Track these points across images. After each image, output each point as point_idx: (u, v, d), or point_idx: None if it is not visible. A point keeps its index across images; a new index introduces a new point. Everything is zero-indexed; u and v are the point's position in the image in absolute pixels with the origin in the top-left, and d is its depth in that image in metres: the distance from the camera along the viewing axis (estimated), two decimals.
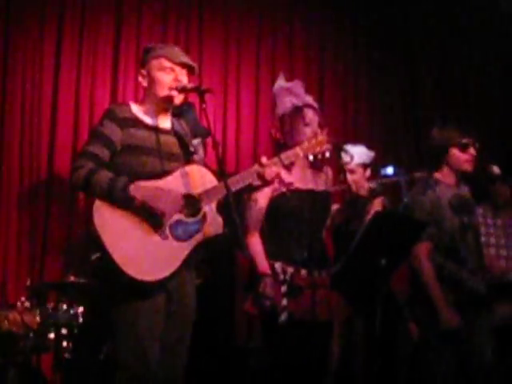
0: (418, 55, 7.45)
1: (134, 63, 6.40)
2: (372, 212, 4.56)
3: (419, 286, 4.41)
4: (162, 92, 3.71)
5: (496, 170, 4.56)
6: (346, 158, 4.94)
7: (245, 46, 6.91)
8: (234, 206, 3.44)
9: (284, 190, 4.15)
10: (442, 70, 7.42)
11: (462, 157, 4.49)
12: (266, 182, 3.78)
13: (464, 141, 4.48)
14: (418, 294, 4.46)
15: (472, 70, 7.47)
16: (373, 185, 4.95)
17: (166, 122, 3.80)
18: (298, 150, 3.88)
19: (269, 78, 6.65)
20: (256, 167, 3.74)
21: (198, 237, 3.58)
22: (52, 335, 5.08)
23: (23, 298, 5.13)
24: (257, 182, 3.77)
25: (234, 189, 3.62)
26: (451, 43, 7.39)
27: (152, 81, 3.74)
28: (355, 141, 6.71)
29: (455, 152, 4.50)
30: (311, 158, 3.92)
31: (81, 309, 5.15)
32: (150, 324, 3.52)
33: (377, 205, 4.85)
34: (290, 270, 4.26)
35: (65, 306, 5.09)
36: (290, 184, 4.08)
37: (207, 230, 3.60)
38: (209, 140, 3.63)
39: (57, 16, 6.35)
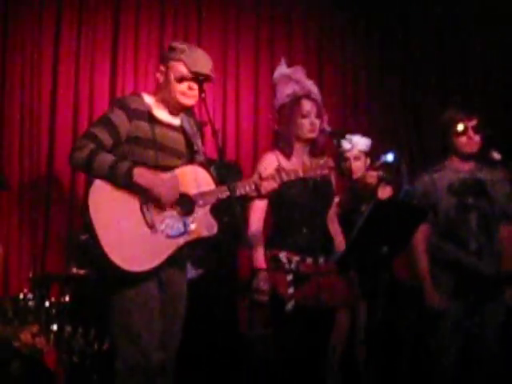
0: (418, 40, 7.40)
1: (133, 53, 6.40)
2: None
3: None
4: (175, 96, 3.70)
5: (496, 155, 4.55)
6: (346, 145, 4.95)
7: (244, 34, 6.88)
8: (235, 200, 3.47)
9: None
10: (442, 53, 7.37)
11: (461, 140, 4.50)
12: (260, 195, 3.82)
13: (459, 128, 4.49)
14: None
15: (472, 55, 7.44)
16: (380, 173, 4.95)
17: (175, 119, 3.81)
18: (299, 171, 3.90)
19: (268, 67, 6.63)
20: (255, 179, 3.77)
21: (188, 236, 3.60)
22: (55, 327, 5.07)
23: (26, 290, 5.14)
24: (253, 194, 3.79)
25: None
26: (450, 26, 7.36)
27: (167, 81, 3.72)
28: (355, 126, 6.78)
29: (454, 138, 4.52)
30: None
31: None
32: (147, 313, 3.55)
33: (386, 193, 4.85)
34: (296, 258, 4.28)
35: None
36: (295, 171, 4.09)
37: (200, 231, 3.63)
38: (208, 129, 3.61)
39: (55, 5, 6.33)
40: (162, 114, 3.75)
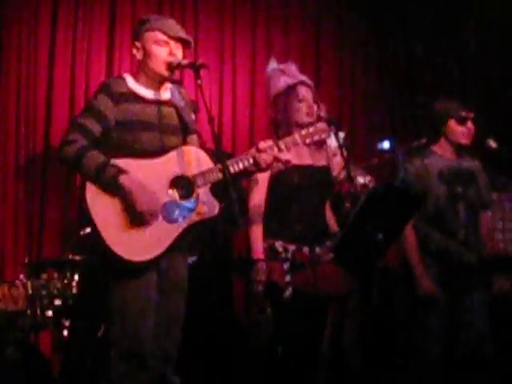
0: (416, 35, 7.39)
1: (130, 37, 6.36)
2: None
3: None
4: (157, 66, 3.68)
5: (493, 143, 4.57)
6: (340, 133, 4.93)
7: (240, 20, 6.87)
8: (230, 182, 3.44)
9: (282, 167, 4.14)
10: (440, 49, 7.36)
11: (459, 129, 4.52)
12: (260, 169, 3.76)
13: (462, 114, 4.51)
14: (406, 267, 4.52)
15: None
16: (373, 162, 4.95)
17: (164, 93, 3.78)
18: (296, 136, 3.85)
19: (264, 53, 6.64)
20: (253, 152, 3.73)
21: (190, 219, 3.57)
22: (50, 313, 5.07)
23: (21, 276, 5.13)
24: (252, 168, 3.74)
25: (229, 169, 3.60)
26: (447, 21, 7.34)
27: (147, 54, 3.70)
28: (352, 123, 6.79)
29: (453, 124, 4.52)
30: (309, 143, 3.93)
31: (75, 278, 5.11)
32: (142, 301, 3.54)
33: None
34: (292, 247, 4.29)
35: (56, 275, 5.04)
36: (288, 161, 4.09)
37: (201, 212, 3.59)
38: (204, 115, 3.60)
39: None
40: (148, 92, 3.71)
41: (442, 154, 4.56)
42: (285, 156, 4.01)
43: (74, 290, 5.07)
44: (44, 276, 5.01)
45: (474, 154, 4.67)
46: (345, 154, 4.30)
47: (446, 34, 7.31)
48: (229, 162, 3.62)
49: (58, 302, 5.01)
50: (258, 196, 4.36)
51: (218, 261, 5.47)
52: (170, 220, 3.54)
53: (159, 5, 6.62)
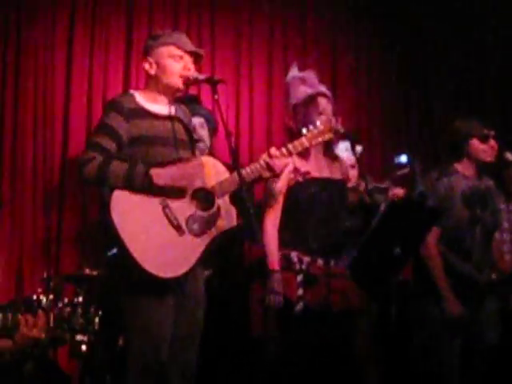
0: (432, 43, 7.38)
1: None
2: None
3: (423, 273, 4.44)
4: (173, 80, 3.69)
5: (509, 156, 4.56)
6: (358, 147, 4.93)
7: (257, 34, 6.88)
8: (247, 196, 3.44)
9: (300, 179, 4.14)
10: (456, 57, 7.34)
11: (482, 147, 4.50)
12: (275, 174, 3.76)
13: (485, 132, 4.50)
14: (421, 281, 4.49)
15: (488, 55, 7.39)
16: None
17: (171, 109, 3.76)
18: (303, 139, 3.86)
19: (281, 67, 6.63)
20: (265, 158, 3.72)
21: (213, 231, 3.56)
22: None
23: (39, 290, 5.14)
24: (266, 174, 3.74)
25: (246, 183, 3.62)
26: (464, 28, 7.31)
27: (161, 69, 3.70)
28: (368, 132, 6.78)
29: (475, 143, 4.51)
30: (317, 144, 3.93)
31: (99, 313, 5.11)
32: (161, 316, 3.52)
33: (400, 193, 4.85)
34: (307, 259, 4.26)
35: (80, 310, 5.03)
36: (307, 173, 4.07)
37: (221, 224, 3.58)
38: (221, 130, 3.61)
39: (69, 5, 6.36)
40: (156, 107, 3.71)
41: (464, 174, 4.54)
42: (304, 168, 4.00)
43: (97, 327, 5.07)
44: (67, 309, 4.98)
45: (490, 170, 4.66)
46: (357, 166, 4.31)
47: (464, 38, 7.27)
48: (243, 171, 3.63)
49: (79, 338, 5.01)
50: (275, 211, 4.34)
51: (234, 274, 5.47)
52: (195, 234, 3.53)
53: (175, 14, 6.66)
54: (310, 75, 4.57)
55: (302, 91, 4.47)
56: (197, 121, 4.90)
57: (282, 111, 4.99)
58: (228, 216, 3.60)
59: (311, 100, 4.43)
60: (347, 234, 4.54)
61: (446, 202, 4.44)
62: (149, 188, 3.45)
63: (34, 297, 5.04)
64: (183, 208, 3.53)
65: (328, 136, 3.94)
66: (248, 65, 6.80)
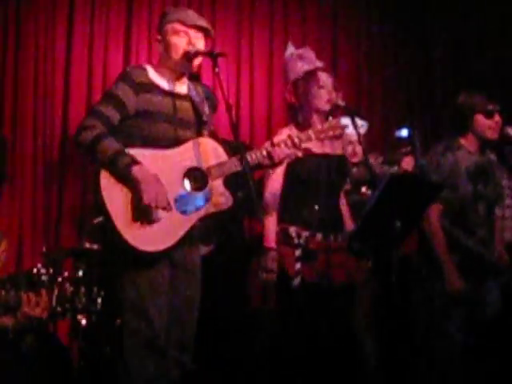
0: (433, 26, 7.36)
1: (147, 30, 6.39)
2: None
3: (427, 248, 4.45)
4: (178, 56, 3.68)
5: (511, 131, 4.54)
6: (360, 123, 4.92)
7: (258, 9, 6.87)
8: (249, 173, 3.45)
9: (300, 154, 4.14)
10: (457, 41, 7.32)
11: (487, 123, 4.46)
12: (274, 163, 3.77)
13: (490, 107, 4.45)
14: (425, 256, 4.50)
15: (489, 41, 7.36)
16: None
17: (182, 87, 3.77)
18: (310, 133, 3.86)
19: (282, 41, 6.60)
20: (267, 146, 3.74)
21: (204, 210, 3.57)
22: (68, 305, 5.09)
23: (39, 265, 5.14)
24: (266, 162, 3.75)
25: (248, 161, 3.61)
26: (467, 13, 7.28)
27: (167, 45, 3.70)
28: (369, 110, 6.77)
29: (480, 118, 4.47)
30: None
31: (101, 293, 5.14)
32: (155, 292, 3.53)
33: (407, 163, 4.85)
34: (305, 234, 4.27)
35: (83, 289, 5.05)
36: (307, 149, 4.07)
37: (216, 204, 3.59)
38: (222, 104, 3.60)
39: None
40: (167, 84, 3.70)
41: (469, 149, 4.52)
42: (305, 145, 4.01)
43: (99, 307, 5.09)
44: (70, 289, 4.99)
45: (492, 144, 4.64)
46: (362, 141, 4.31)
47: (467, 20, 7.23)
48: (246, 156, 3.61)
49: (80, 317, 5.03)
50: (274, 185, 4.35)
51: (234, 251, 5.48)
52: (183, 211, 3.53)
53: None
54: (308, 52, 4.58)
55: (300, 67, 4.47)
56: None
57: (283, 86, 4.98)
58: (223, 197, 3.62)
59: (311, 75, 4.43)
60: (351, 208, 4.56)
61: (450, 177, 4.43)
62: (125, 178, 3.44)
63: (35, 270, 5.05)
64: (174, 185, 3.53)
65: (338, 132, 3.93)
66: (249, 41, 6.80)
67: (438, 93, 7.16)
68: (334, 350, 4.30)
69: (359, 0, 7.31)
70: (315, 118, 4.38)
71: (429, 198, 4.10)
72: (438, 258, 4.38)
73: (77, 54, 6.28)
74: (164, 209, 3.45)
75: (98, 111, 3.57)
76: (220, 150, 3.68)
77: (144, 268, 3.51)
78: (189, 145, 3.63)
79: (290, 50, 4.63)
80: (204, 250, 4.83)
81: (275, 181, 4.36)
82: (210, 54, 3.64)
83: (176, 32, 3.69)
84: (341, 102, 4.34)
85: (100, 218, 3.64)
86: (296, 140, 3.77)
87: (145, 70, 3.72)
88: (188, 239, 3.57)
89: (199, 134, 3.75)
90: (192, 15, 3.74)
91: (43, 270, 5.00)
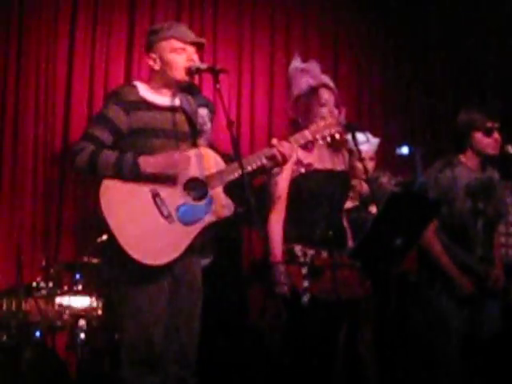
0: (434, 39, 7.38)
1: None
2: None
3: (425, 264, 4.49)
4: (177, 74, 3.68)
5: (511, 149, 4.55)
6: (361, 138, 4.91)
7: (259, 25, 6.90)
8: (247, 185, 3.44)
9: (303, 170, 4.13)
10: (458, 53, 7.34)
11: (486, 141, 4.47)
12: (276, 163, 3.76)
13: (488, 125, 4.46)
14: (424, 271, 4.53)
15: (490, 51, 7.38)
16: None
17: (175, 100, 3.77)
18: (306, 132, 3.85)
19: (283, 57, 6.65)
20: (265, 149, 3.73)
21: (205, 220, 3.57)
22: (67, 316, 5.09)
23: (39, 279, 5.15)
24: (268, 164, 3.74)
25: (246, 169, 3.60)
26: (467, 26, 7.29)
27: (165, 63, 3.68)
28: (370, 123, 6.77)
29: (479, 136, 4.48)
30: (321, 141, 3.92)
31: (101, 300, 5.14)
32: (155, 307, 3.52)
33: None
34: (311, 252, 4.24)
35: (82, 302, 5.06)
36: (309, 165, 4.06)
37: (217, 213, 3.59)
38: (223, 119, 3.61)
39: None
40: (160, 99, 3.70)
41: (468, 166, 4.52)
42: (306, 159, 3.99)
43: (100, 312, 5.09)
44: (65, 288, 5.01)
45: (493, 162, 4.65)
46: (365, 156, 4.30)
47: (467, 29, 7.26)
48: (245, 161, 3.61)
49: (81, 323, 5.04)
50: (280, 186, 4.32)
51: (233, 263, 5.47)
52: (185, 222, 3.53)
53: (178, 3, 6.67)
54: (313, 66, 4.55)
55: (304, 82, 4.45)
56: (204, 112, 4.89)
57: (284, 102, 4.99)
58: (224, 205, 3.61)
59: (313, 91, 4.41)
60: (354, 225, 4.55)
61: (447, 194, 4.43)
62: (137, 176, 3.46)
63: (34, 284, 5.06)
64: (174, 197, 3.54)
65: (335, 130, 3.92)
66: (250, 56, 6.81)
67: (439, 109, 7.15)
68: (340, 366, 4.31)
69: (361, 16, 7.31)
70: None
71: (429, 215, 4.09)
72: (442, 268, 4.40)
73: (78, 60, 6.29)
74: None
75: (90, 134, 3.57)
76: (218, 159, 3.68)
77: (144, 282, 3.50)
78: (191, 155, 3.62)
79: (295, 63, 4.61)
80: (203, 262, 4.84)
81: (282, 181, 4.30)
82: (212, 70, 3.65)
83: (174, 49, 3.68)
84: (342, 119, 4.34)
85: (103, 237, 3.64)
86: (292, 140, 3.78)
87: (135, 87, 3.71)
88: (189, 251, 3.56)
89: (194, 144, 3.75)
90: (187, 31, 3.75)
91: (43, 284, 5.02)
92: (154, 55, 3.73)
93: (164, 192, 3.52)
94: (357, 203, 4.98)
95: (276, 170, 3.92)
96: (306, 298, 4.15)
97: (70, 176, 6.10)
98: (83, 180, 6.04)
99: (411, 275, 4.74)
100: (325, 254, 4.26)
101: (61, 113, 6.20)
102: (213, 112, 5.11)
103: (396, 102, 7.22)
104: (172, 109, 3.72)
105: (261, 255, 4.55)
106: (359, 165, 4.63)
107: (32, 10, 6.22)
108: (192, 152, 3.64)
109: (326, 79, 4.49)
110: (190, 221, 3.54)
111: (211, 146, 3.82)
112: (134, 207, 3.48)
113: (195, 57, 3.72)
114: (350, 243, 4.37)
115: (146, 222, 3.48)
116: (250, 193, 3.40)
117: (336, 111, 4.36)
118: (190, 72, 3.68)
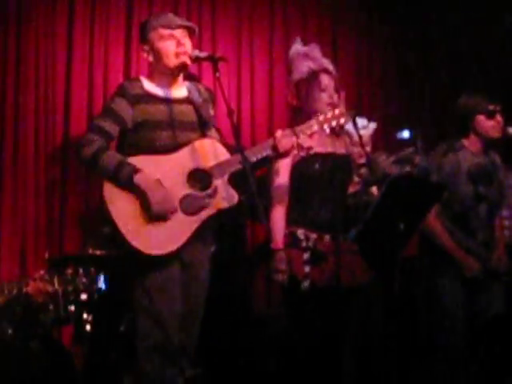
0: (434, 27, 7.36)
1: None
2: None
3: (428, 248, 4.49)
4: (171, 61, 3.71)
5: (511, 131, 4.55)
6: (362, 123, 4.90)
7: (258, 12, 6.86)
8: (250, 176, 3.45)
9: (303, 154, 4.14)
10: (458, 43, 7.32)
11: (489, 123, 4.49)
12: (280, 154, 3.79)
13: (490, 108, 4.48)
14: (426, 255, 4.55)
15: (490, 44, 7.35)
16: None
17: (180, 91, 3.80)
18: (312, 122, 3.87)
19: (282, 45, 6.62)
20: (270, 140, 3.75)
21: (209, 210, 3.60)
22: (73, 307, 5.09)
23: (42, 271, 5.15)
24: (271, 155, 3.77)
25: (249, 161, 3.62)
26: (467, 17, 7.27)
27: (157, 53, 3.74)
28: (370, 108, 6.76)
29: (482, 119, 4.49)
30: (328, 130, 3.92)
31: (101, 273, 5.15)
32: (166, 293, 3.57)
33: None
34: (313, 236, 4.25)
35: (81, 271, 5.07)
36: (310, 148, 4.07)
37: (220, 203, 3.62)
38: (223, 108, 3.61)
39: None
40: (163, 91, 3.76)
41: (471, 150, 4.53)
42: (307, 143, 4.00)
43: (100, 285, 5.10)
44: (69, 271, 5.02)
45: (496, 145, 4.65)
46: (363, 141, 4.30)
47: (468, 18, 7.22)
48: (247, 152, 3.65)
49: (84, 297, 5.04)
50: (282, 177, 4.32)
51: (237, 251, 5.48)
52: (189, 213, 3.57)
53: None
54: (314, 50, 4.55)
55: (305, 66, 4.46)
56: None
57: (284, 89, 4.98)
58: (228, 195, 3.64)
59: (314, 76, 4.42)
60: (357, 209, 4.55)
61: (450, 178, 4.44)
62: (130, 189, 3.52)
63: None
64: (177, 188, 3.58)
65: (342, 121, 3.93)
66: (249, 44, 6.78)
67: (439, 94, 7.14)
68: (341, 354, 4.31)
69: (359, 2, 7.29)
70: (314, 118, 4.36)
71: (432, 199, 4.10)
72: (446, 250, 4.41)
73: (77, 57, 6.24)
74: (172, 213, 3.50)
75: (98, 126, 3.66)
76: (220, 148, 3.72)
77: (154, 271, 3.55)
78: (187, 148, 3.66)
79: (296, 46, 4.60)
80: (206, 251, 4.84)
81: (283, 172, 4.31)
82: (211, 59, 3.66)
83: (162, 37, 3.72)
84: (342, 105, 4.33)
85: (107, 228, 3.67)
86: (299, 131, 3.81)
87: (139, 81, 3.79)
88: (197, 241, 3.61)
89: (203, 134, 3.78)
90: (173, 17, 3.79)
91: (46, 277, 5.02)
92: (146, 47, 3.79)
93: (168, 182, 3.55)
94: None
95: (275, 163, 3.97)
96: (306, 284, 4.15)
97: (73, 169, 6.09)
98: (86, 172, 6.04)
99: (416, 260, 4.74)
100: (327, 238, 4.26)
101: (61, 105, 6.16)
102: (214, 102, 5.11)
103: (396, 85, 7.20)
104: (175, 100, 3.76)
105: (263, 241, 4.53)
106: (355, 149, 4.63)
107: (29, 7, 6.17)
108: (189, 145, 3.67)
109: (327, 63, 4.48)
110: (194, 211, 3.57)
111: (221, 138, 3.82)
112: (137, 199, 3.53)
113: (186, 41, 3.74)
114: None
115: (148, 214, 3.51)
116: (253, 183, 3.41)
117: (336, 96, 4.36)
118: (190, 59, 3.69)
